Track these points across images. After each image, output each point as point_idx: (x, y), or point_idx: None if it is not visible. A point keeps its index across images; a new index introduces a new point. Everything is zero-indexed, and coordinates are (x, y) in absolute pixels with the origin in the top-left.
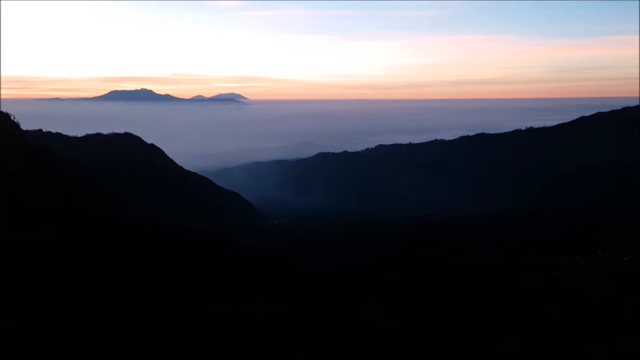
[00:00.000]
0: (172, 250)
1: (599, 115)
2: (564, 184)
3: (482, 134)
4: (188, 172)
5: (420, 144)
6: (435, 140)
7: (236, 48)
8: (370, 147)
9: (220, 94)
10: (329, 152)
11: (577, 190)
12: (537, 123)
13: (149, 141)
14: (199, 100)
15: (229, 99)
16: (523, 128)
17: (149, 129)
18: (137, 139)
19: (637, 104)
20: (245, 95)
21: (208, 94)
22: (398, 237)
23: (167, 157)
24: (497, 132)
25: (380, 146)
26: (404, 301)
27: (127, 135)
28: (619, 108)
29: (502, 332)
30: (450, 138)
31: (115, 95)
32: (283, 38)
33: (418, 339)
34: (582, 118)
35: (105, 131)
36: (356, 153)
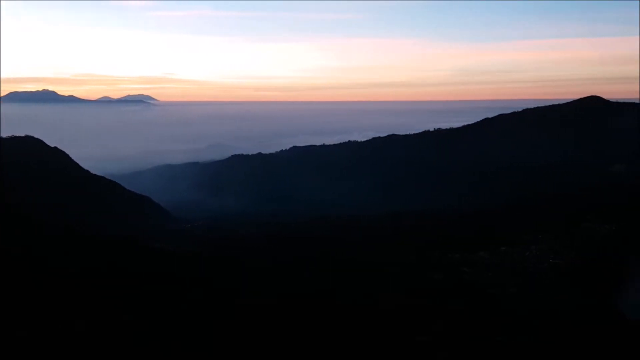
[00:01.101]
0: (79, 254)
1: (501, 117)
2: (475, 183)
3: (393, 135)
4: (95, 176)
5: (334, 145)
6: (349, 141)
7: (144, 49)
8: (284, 149)
9: (129, 95)
10: (243, 154)
11: (487, 189)
12: (445, 124)
13: (51, 144)
14: (105, 101)
15: (138, 100)
16: (432, 129)
17: (51, 132)
18: (39, 142)
19: (536, 106)
20: (154, 97)
21: (115, 95)
22: (313, 238)
23: (72, 160)
24: (407, 133)
25: (294, 148)
26: (318, 301)
27: (28, 138)
28: (520, 110)
29: (413, 328)
30: (362, 139)
31: (15, 97)
32: (193, 39)
33: (331, 338)
34: (487, 119)
35: (3, 134)
36: (270, 155)
